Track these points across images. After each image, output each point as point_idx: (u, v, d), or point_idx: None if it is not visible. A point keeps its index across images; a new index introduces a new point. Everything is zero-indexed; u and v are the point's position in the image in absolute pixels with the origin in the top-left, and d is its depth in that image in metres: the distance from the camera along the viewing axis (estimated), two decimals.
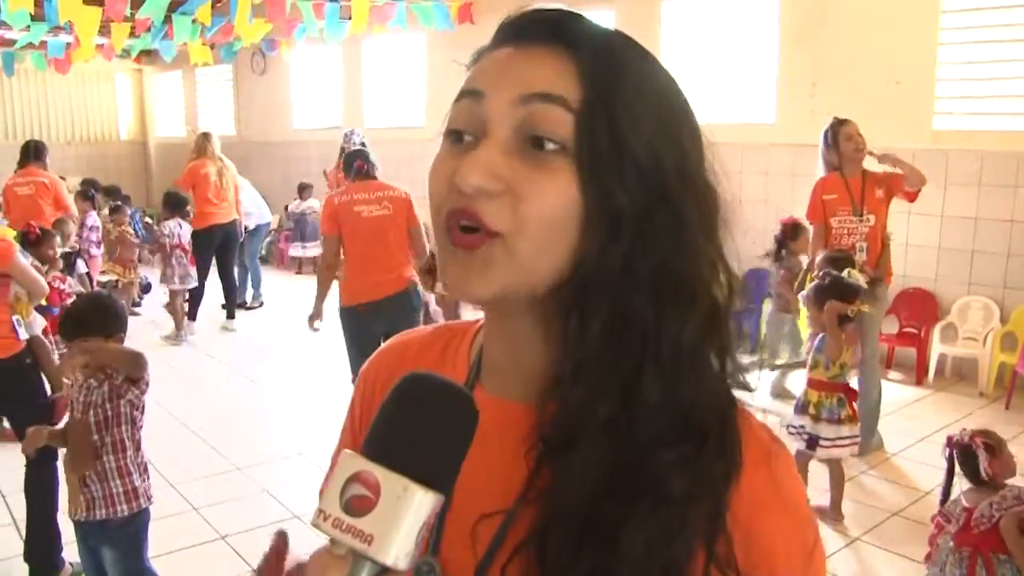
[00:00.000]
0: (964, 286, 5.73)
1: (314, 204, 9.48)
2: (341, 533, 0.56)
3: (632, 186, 0.64)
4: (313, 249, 9.30)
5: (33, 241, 4.81)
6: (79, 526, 2.76)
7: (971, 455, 2.89)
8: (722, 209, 0.69)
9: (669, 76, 0.70)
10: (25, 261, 3.55)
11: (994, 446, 2.89)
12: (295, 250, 10.09)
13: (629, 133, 0.64)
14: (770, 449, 0.69)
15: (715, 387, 0.67)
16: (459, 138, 0.68)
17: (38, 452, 3.13)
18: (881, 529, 3.71)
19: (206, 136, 7.32)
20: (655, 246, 0.65)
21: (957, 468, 2.90)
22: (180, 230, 7.12)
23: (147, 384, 2.73)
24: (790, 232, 5.18)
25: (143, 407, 2.75)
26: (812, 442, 3.72)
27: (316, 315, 4.72)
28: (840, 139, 4.52)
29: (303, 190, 9.97)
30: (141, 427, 2.77)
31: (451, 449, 0.60)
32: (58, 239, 5.34)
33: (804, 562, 0.68)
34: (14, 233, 4.07)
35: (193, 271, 7.13)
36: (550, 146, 0.64)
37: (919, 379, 5.71)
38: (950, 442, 2.95)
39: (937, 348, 5.70)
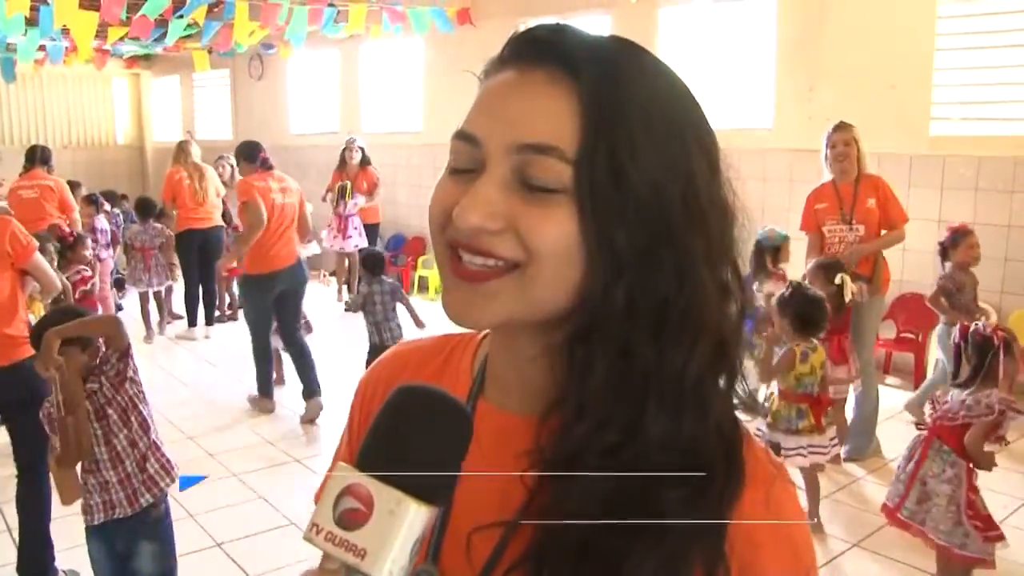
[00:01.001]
0: None
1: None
2: (334, 547, 0.55)
3: (633, 226, 0.63)
4: (309, 247, 9.41)
5: (71, 244, 4.91)
6: (105, 532, 2.68)
7: (988, 348, 2.90)
8: (737, 225, 0.68)
9: (679, 85, 0.69)
10: (42, 258, 3.57)
11: (1012, 344, 2.89)
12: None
13: (631, 173, 0.62)
14: (770, 475, 0.68)
15: (721, 419, 0.67)
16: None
17: (30, 464, 3.10)
18: (878, 535, 3.69)
19: (181, 145, 7.54)
20: (658, 283, 0.64)
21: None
22: (145, 235, 7.37)
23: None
24: (950, 239, 4.69)
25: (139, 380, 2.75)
26: (775, 448, 3.67)
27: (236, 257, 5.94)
28: (827, 145, 4.50)
29: None
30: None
31: (446, 460, 0.59)
32: (88, 240, 5.49)
33: None
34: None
35: (146, 276, 7.35)
36: (548, 186, 0.63)
37: (917, 384, 5.70)
38: (965, 331, 2.95)
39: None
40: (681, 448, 0.64)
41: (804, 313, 3.68)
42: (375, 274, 5.31)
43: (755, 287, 4.62)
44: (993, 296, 5.59)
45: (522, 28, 0.69)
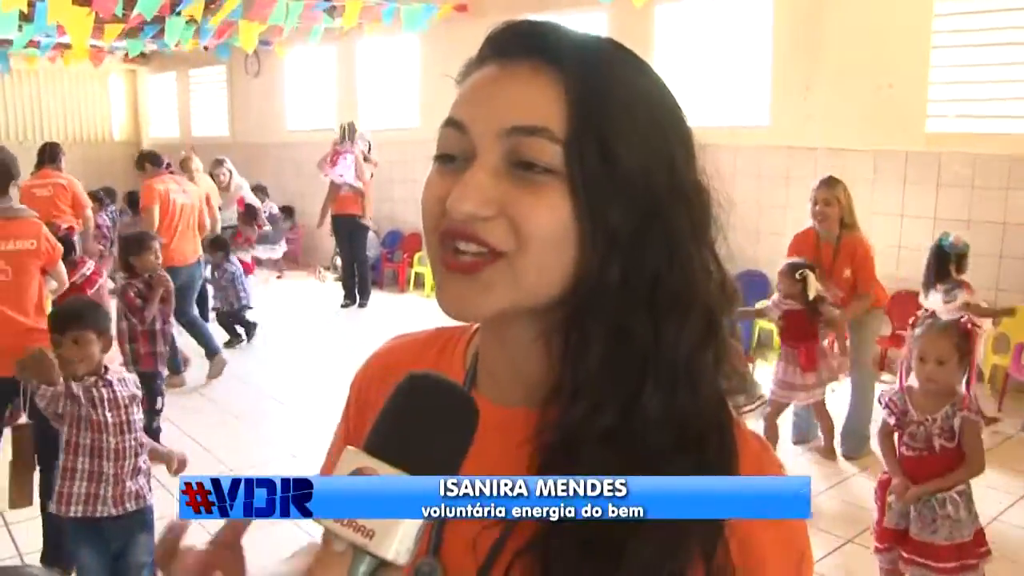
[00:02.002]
0: None
1: (272, 207, 9.45)
2: (342, 527, 0.56)
3: (624, 205, 0.64)
4: (280, 250, 9.53)
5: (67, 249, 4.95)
6: (99, 533, 2.68)
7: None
8: (714, 209, 0.70)
9: (658, 81, 0.70)
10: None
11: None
12: (263, 252, 9.89)
13: (619, 154, 0.64)
14: (761, 458, 0.69)
15: (711, 396, 0.68)
16: (449, 159, 0.68)
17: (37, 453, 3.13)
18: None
19: (183, 164, 7.59)
20: (649, 261, 0.65)
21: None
22: (135, 227, 7.60)
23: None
24: None
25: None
26: None
27: None
28: (810, 199, 4.38)
29: (259, 191, 9.73)
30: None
31: (453, 446, 0.60)
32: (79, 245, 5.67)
33: (794, 571, 0.69)
34: None
35: None
36: (539, 168, 0.64)
37: None
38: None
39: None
40: (676, 425, 0.65)
41: None
42: (226, 255, 6.54)
43: (938, 295, 4.33)
44: (988, 294, 5.60)
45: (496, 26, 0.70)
